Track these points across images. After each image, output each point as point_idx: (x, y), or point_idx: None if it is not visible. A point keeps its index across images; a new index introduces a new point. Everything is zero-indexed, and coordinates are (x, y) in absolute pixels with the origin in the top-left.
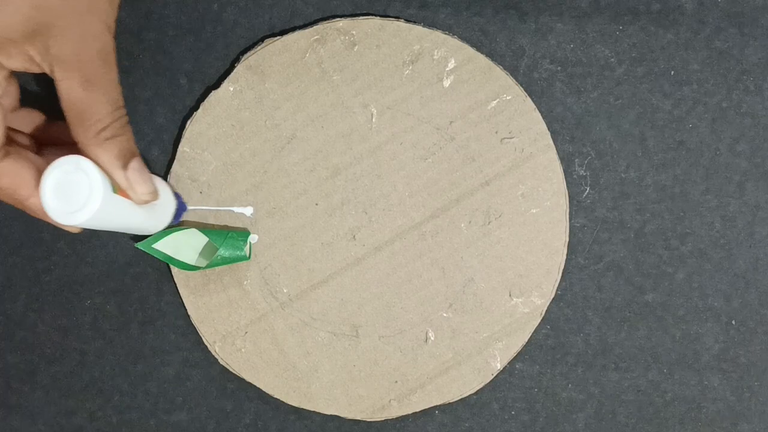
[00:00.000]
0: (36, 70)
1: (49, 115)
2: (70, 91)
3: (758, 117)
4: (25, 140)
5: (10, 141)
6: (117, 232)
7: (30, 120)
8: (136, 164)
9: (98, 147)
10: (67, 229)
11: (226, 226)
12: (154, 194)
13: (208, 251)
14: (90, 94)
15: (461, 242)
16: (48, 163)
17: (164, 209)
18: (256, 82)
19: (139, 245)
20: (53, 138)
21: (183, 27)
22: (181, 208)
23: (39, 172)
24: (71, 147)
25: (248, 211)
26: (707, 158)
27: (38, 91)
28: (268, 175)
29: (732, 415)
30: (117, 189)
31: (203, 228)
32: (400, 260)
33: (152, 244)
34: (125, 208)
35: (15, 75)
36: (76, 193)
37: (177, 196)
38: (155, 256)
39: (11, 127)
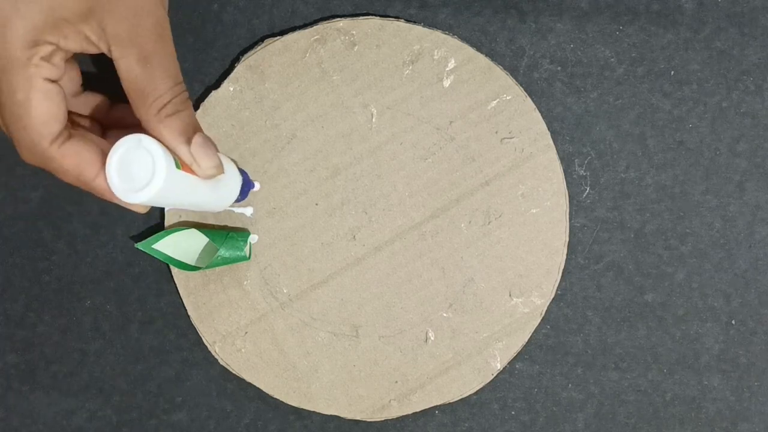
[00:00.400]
0: (93, 50)
1: (112, 98)
2: (128, 69)
3: (758, 117)
4: (88, 123)
5: (73, 124)
6: (118, 236)
7: (93, 104)
8: (199, 139)
9: (160, 123)
10: (133, 208)
11: (226, 226)
12: (219, 168)
13: (208, 251)
14: (149, 71)
15: (461, 242)
16: (112, 144)
17: (230, 184)
18: (256, 82)
19: (139, 245)
20: (117, 120)
21: (183, 27)
22: (248, 184)
23: (104, 154)
24: (136, 128)
25: (248, 211)
26: (707, 158)
27: (101, 75)
28: (268, 175)
29: (732, 415)
30: (181, 165)
31: (203, 228)
32: (400, 260)
33: (152, 244)
34: (190, 184)
35: (76, 58)
36: (141, 171)
37: (243, 172)
38: (155, 256)
39: (74, 111)
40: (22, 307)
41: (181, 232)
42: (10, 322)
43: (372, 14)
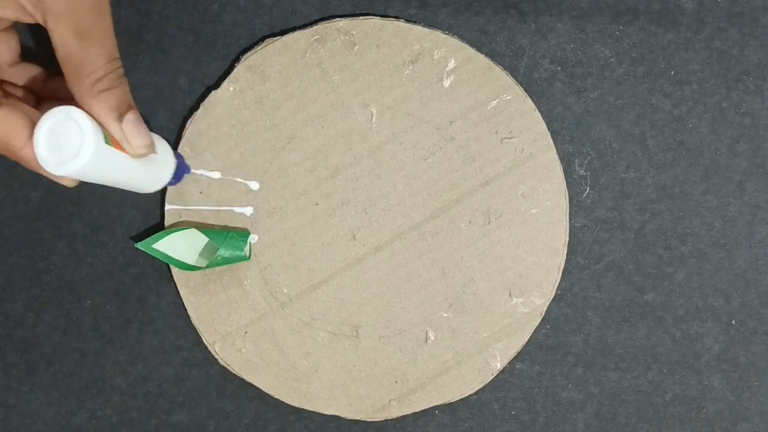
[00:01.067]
0: (29, 20)
1: (51, 71)
2: (63, 42)
3: (758, 117)
4: (22, 94)
5: (6, 94)
6: (118, 236)
7: (30, 75)
8: (131, 116)
9: (93, 98)
10: (61, 182)
11: (226, 226)
12: (150, 147)
13: (208, 251)
14: (84, 46)
15: (461, 242)
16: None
17: (162, 166)
18: (256, 82)
19: (139, 245)
20: (53, 93)
21: (183, 27)
22: (182, 168)
23: (33, 124)
24: (70, 102)
25: (248, 211)
26: (707, 158)
27: (42, 47)
28: (268, 175)
29: (732, 415)
30: (112, 141)
31: (203, 228)
32: (400, 260)
33: (152, 244)
34: (120, 161)
35: (15, 28)
36: (69, 144)
37: (178, 156)
38: (155, 256)
39: (8, 81)
40: (22, 307)
41: (181, 232)
42: (10, 322)
43: (372, 14)
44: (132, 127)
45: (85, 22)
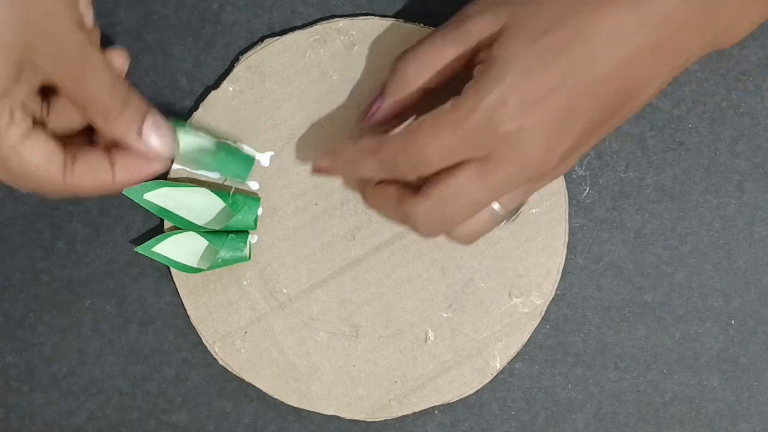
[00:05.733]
0: (38, 87)
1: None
2: (67, 91)
3: (758, 117)
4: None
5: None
6: (118, 236)
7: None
8: (149, 120)
9: (111, 127)
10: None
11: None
12: (171, 147)
13: (208, 254)
14: (83, 90)
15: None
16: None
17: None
18: (256, 82)
19: (139, 249)
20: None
21: (182, 27)
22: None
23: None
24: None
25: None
26: (707, 158)
27: None
28: (268, 175)
29: (732, 415)
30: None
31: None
32: (400, 260)
33: (152, 247)
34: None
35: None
36: None
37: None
38: (155, 259)
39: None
40: (22, 307)
41: (180, 234)
42: (9, 322)
43: (372, 14)
44: (151, 135)
45: (78, 71)
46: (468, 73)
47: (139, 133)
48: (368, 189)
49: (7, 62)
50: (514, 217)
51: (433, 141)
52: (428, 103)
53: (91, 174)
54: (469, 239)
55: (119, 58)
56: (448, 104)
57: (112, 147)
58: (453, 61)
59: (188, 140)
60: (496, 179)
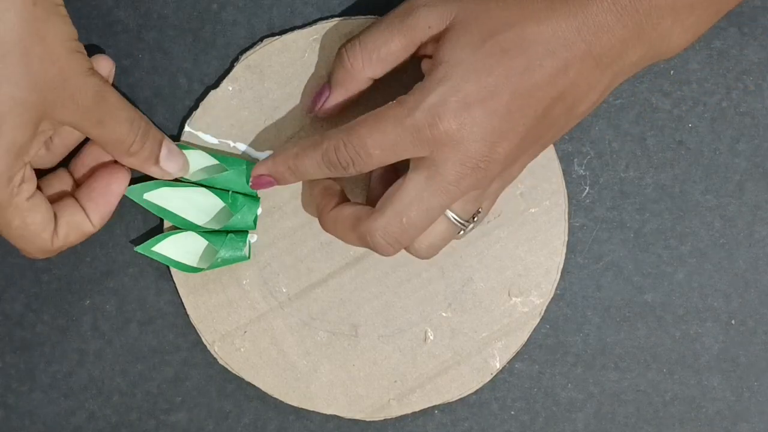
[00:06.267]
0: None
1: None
2: (92, 136)
3: (758, 117)
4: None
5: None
6: (117, 236)
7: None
8: (164, 151)
9: (132, 158)
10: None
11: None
12: (185, 167)
13: (208, 253)
14: (106, 131)
15: (460, 241)
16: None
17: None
18: (256, 82)
19: (139, 249)
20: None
21: (182, 27)
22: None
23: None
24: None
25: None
26: (707, 158)
27: None
28: None
29: (732, 415)
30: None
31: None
32: (399, 260)
33: (151, 247)
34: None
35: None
36: None
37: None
38: (155, 259)
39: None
40: (22, 307)
41: (179, 234)
42: (9, 322)
43: (372, 14)
44: (169, 163)
45: (98, 115)
46: (416, 61)
47: (157, 162)
48: (324, 213)
49: (26, 122)
50: (471, 227)
51: (375, 134)
52: (381, 97)
53: (74, 232)
54: (429, 252)
55: (105, 64)
56: (394, 101)
57: (75, 188)
58: (398, 51)
59: (194, 160)
60: (444, 180)
